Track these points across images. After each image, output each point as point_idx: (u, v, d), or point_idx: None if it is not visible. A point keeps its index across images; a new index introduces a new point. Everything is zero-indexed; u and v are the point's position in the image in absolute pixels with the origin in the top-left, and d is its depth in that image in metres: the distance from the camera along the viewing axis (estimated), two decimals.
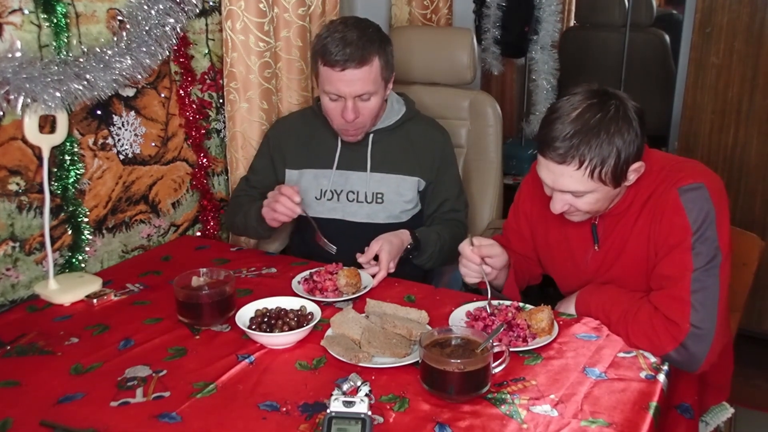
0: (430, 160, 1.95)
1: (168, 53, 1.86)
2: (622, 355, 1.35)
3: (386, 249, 1.71)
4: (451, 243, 1.90)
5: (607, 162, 1.35)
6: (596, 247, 1.56)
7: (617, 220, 1.52)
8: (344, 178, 1.93)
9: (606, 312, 1.46)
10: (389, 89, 1.90)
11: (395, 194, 1.93)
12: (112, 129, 1.85)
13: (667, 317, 1.36)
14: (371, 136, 1.93)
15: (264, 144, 2.04)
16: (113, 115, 1.84)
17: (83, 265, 1.80)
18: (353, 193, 1.93)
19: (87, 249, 1.81)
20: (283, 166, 1.99)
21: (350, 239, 1.79)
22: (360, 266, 1.71)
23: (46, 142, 1.62)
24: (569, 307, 1.55)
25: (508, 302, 1.53)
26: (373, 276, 1.69)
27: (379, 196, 1.92)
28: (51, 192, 1.68)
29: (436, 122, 2.05)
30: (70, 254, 1.78)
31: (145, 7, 1.76)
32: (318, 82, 1.85)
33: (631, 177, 1.42)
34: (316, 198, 1.93)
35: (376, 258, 1.72)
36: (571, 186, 1.40)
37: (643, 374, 1.28)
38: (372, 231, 1.79)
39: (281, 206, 1.74)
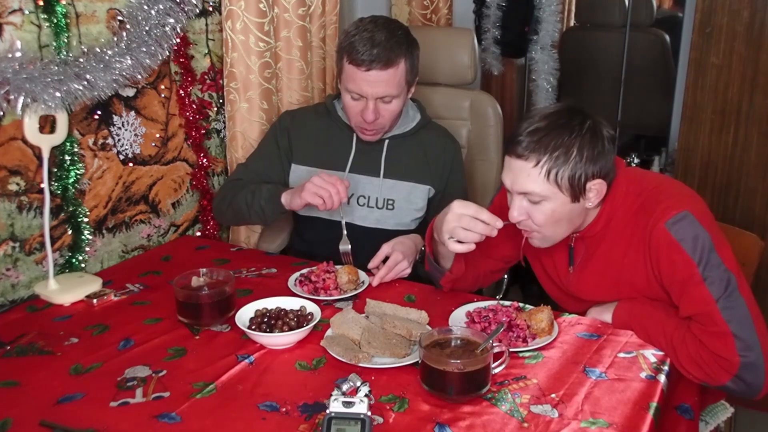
0: (440, 168, 1.95)
1: (168, 53, 1.86)
2: (622, 355, 1.35)
3: (399, 249, 1.70)
4: None
5: (565, 165, 1.35)
6: (570, 269, 1.54)
7: (595, 244, 1.49)
8: (355, 182, 1.92)
9: (648, 335, 1.41)
10: (411, 92, 1.89)
11: (406, 201, 1.92)
12: (112, 129, 1.85)
13: (714, 353, 1.33)
14: (387, 141, 1.93)
15: (271, 133, 2.01)
16: (113, 115, 1.84)
17: (83, 265, 1.80)
18: (364, 197, 1.92)
19: (87, 249, 1.81)
20: (288, 158, 1.96)
21: (357, 243, 1.79)
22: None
23: (46, 142, 1.62)
24: (603, 314, 1.51)
25: (508, 302, 1.53)
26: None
27: (390, 202, 1.91)
28: (51, 192, 1.68)
29: (448, 131, 2.05)
30: (70, 254, 1.78)
31: (145, 7, 1.76)
32: (340, 79, 1.84)
33: (591, 196, 1.40)
34: None
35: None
36: (527, 185, 1.38)
37: (643, 374, 1.28)
38: (380, 236, 1.79)
39: (327, 193, 1.67)
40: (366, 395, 1.16)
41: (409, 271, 1.72)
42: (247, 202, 1.85)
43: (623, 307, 1.49)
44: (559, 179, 1.36)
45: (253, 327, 1.41)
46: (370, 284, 1.66)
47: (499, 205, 1.58)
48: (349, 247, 1.76)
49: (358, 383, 1.20)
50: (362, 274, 1.68)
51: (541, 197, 1.38)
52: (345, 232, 1.77)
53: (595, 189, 1.40)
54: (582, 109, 1.42)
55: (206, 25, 2.07)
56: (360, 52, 1.73)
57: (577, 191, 1.38)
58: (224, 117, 2.14)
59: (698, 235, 1.35)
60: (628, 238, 1.44)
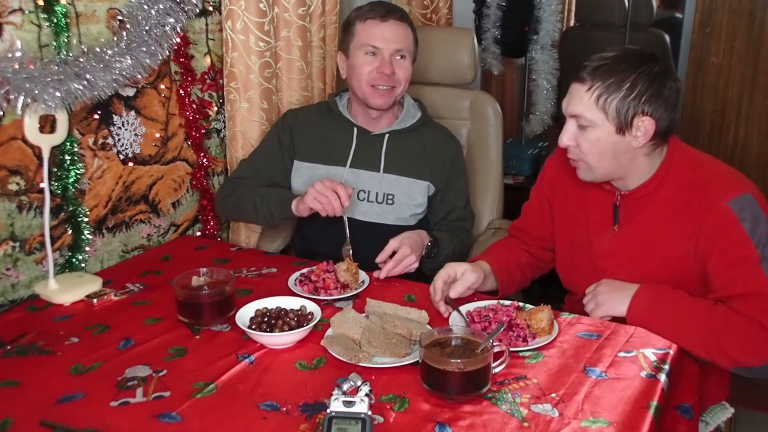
0: (441, 166, 1.96)
1: (168, 53, 1.85)
2: (622, 354, 1.35)
3: (406, 243, 1.71)
4: (461, 249, 1.93)
5: (616, 94, 1.40)
6: (615, 228, 1.56)
7: (642, 205, 1.52)
8: (356, 177, 1.94)
9: (677, 321, 1.40)
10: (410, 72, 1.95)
11: (406, 197, 1.93)
12: (112, 129, 1.85)
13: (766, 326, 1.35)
14: (387, 136, 1.94)
15: (274, 130, 2.03)
16: (113, 115, 1.84)
17: (83, 264, 1.80)
18: (364, 192, 1.93)
19: (87, 249, 1.81)
20: (291, 155, 1.98)
21: (358, 238, 1.80)
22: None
23: (46, 142, 1.62)
24: (617, 306, 1.47)
25: (508, 302, 1.53)
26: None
27: (390, 197, 1.93)
28: (51, 192, 1.68)
29: (449, 131, 2.07)
30: (70, 254, 1.78)
31: (145, 6, 1.76)
32: (350, 46, 1.89)
33: (639, 135, 1.42)
34: None
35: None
36: (578, 108, 1.44)
37: (643, 374, 1.28)
38: (380, 231, 1.80)
39: (327, 201, 1.69)
40: (366, 395, 1.16)
41: (416, 265, 1.73)
42: (255, 205, 1.87)
43: (644, 293, 1.46)
44: (606, 106, 1.41)
45: (254, 327, 1.41)
46: (371, 282, 1.66)
47: (549, 179, 1.70)
48: (351, 251, 1.76)
49: (359, 383, 1.20)
50: (362, 274, 1.68)
51: (588, 122, 1.44)
52: (348, 235, 1.77)
53: (644, 127, 1.42)
54: (655, 56, 1.46)
55: (206, 24, 2.07)
56: (376, 10, 1.84)
57: (623, 123, 1.41)
58: (224, 117, 2.14)
59: (759, 217, 1.38)
60: (678, 208, 1.46)
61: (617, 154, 1.45)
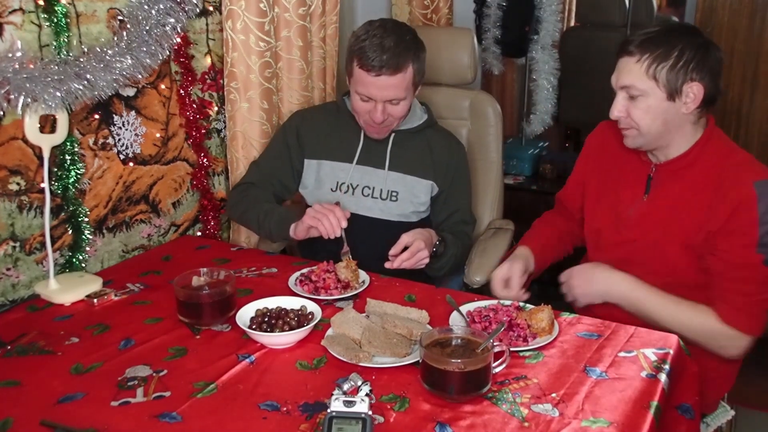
0: (445, 167, 1.98)
1: (168, 53, 1.85)
2: (622, 354, 1.35)
3: (419, 238, 1.73)
4: (462, 253, 1.95)
5: (666, 62, 1.46)
6: (645, 198, 1.61)
7: (676, 177, 1.58)
8: (361, 174, 1.96)
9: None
10: (417, 92, 1.93)
11: (410, 194, 1.96)
12: (112, 129, 1.85)
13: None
14: (393, 135, 1.97)
15: (280, 133, 2.05)
16: (113, 115, 1.84)
17: (83, 264, 1.80)
18: (369, 188, 1.95)
19: (87, 249, 1.81)
20: (301, 156, 2.00)
21: (362, 233, 1.81)
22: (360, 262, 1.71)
23: (46, 142, 1.62)
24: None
25: (508, 302, 1.53)
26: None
27: (394, 194, 1.95)
28: (51, 192, 1.68)
29: (455, 135, 2.09)
30: (70, 254, 1.78)
31: (146, 6, 1.76)
32: (350, 80, 1.87)
33: (688, 101, 1.48)
34: (331, 190, 1.96)
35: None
36: (628, 79, 1.50)
37: (644, 374, 1.28)
38: (384, 227, 1.82)
39: (327, 222, 1.71)
40: (367, 394, 1.16)
41: (427, 260, 1.75)
42: (258, 220, 1.91)
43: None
44: (657, 74, 1.47)
45: (254, 326, 1.41)
46: (371, 282, 1.67)
47: (574, 181, 1.81)
48: (350, 254, 1.77)
49: (359, 382, 1.20)
50: (363, 274, 1.68)
51: (639, 91, 1.50)
52: (345, 241, 1.77)
53: (692, 93, 1.48)
54: (699, 30, 1.54)
55: (207, 24, 2.07)
56: (370, 58, 1.76)
57: (673, 89, 1.48)
58: (225, 117, 2.14)
59: None
60: (707, 182, 1.53)
61: (667, 120, 1.51)
